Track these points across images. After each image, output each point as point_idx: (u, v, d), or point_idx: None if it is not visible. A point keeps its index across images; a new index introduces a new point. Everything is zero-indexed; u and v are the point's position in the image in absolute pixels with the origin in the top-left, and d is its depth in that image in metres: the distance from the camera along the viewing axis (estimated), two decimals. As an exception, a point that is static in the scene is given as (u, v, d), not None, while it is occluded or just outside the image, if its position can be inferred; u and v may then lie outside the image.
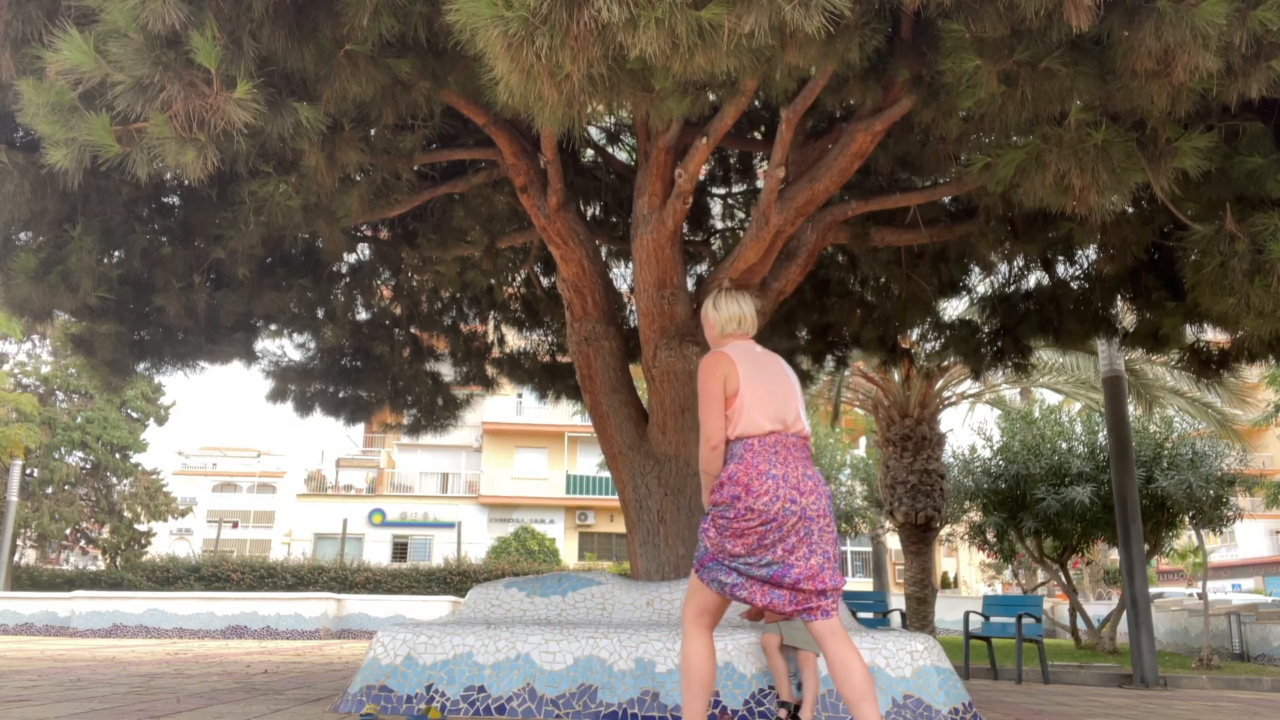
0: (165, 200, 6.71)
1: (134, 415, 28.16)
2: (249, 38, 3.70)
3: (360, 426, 14.52)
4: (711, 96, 4.58)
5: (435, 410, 9.89)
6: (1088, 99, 3.78)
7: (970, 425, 25.75)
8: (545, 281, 8.62)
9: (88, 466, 27.22)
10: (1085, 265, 7.32)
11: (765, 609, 3.17)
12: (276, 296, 7.18)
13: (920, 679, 4.44)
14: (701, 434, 3.28)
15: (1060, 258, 7.40)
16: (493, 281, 8.21)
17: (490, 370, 9.84)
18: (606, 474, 30.57)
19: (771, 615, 4.48)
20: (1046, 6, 3.19)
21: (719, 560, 3.16)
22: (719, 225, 8.48)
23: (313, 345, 8.92)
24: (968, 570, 35.97)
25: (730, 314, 3.46)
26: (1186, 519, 12.52)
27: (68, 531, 26.75)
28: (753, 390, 3.23)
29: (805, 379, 9.52)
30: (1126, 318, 7.75)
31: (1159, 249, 6.56)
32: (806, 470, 3.19)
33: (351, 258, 8.11)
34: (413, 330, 9.14)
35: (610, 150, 7.70)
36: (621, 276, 9.02)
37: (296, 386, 9.11)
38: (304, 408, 9.25)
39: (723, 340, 3.47)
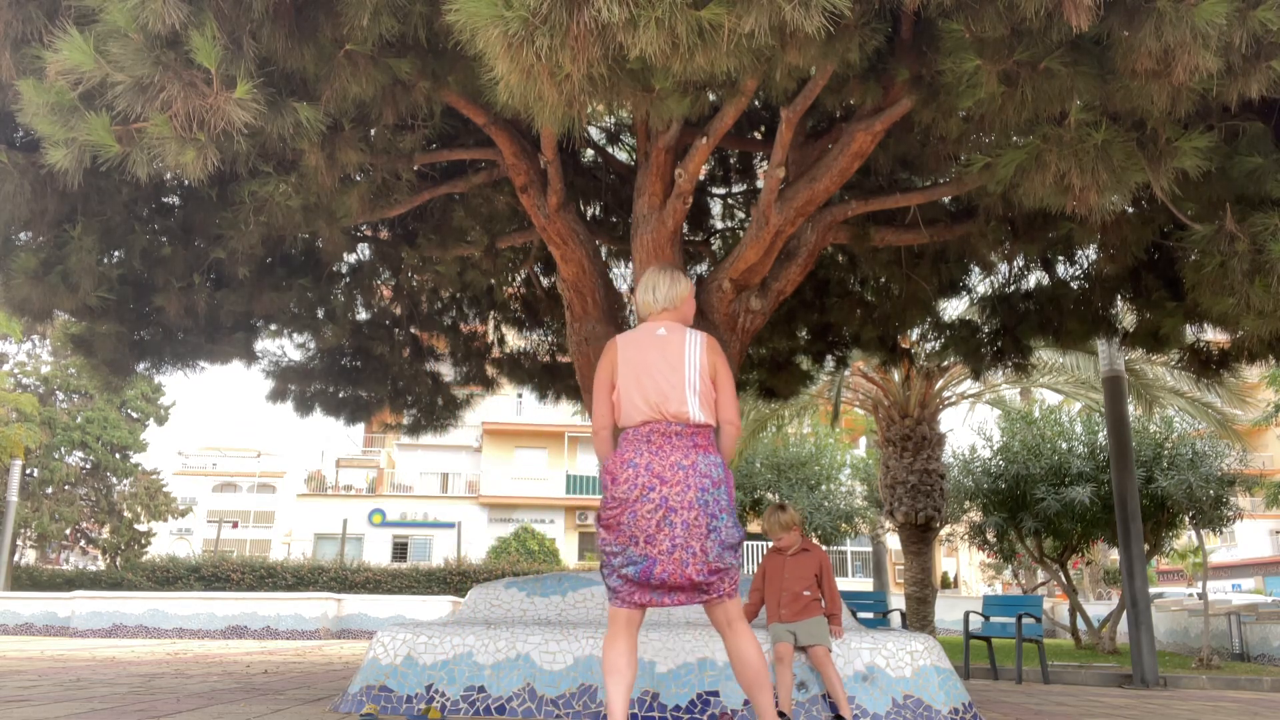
0: (165, 200, 6.71)
1: (134, 415, 28.17)
2: (249, 38, 3.70)
3: (360, 426, 14.52)
4: (711, 96, 4.58)
5: (435, 410, 9.89)
6: (1088, 99, 3.78)
7: (970, 425, 25.77)
8: (545, 281, 8.62)
9: (88, 466, 27.22)
10: (1085, 265, 7.32)
11: (653, 605, 3.14)
12: (276, 296, 7.18)
13: (920, 679, 4.44)
14: None
15: (1060, 258, 7.39)
16: (493, 281, 8.20)
17: (490, 370, 9.83)
18: (606, 474, 30.51)
19: (774, 621, 4.49)
20: (1046, 6, 3.19)
21: (605, 563, 3.17)
22: (719, 225, 8.47)
23: (313, 345, 8.92)
24: (968, 570, 35.97)
25: (640, 302, 3.44)
26: (1186, 519, 12.52)
27: (68, 531, 26.76)
28: (627, 381, 3.21)
29: (805, 379, 9.51)
30: (1126, 318, 7.75)
31: (1159, 249, 6.56)
32: (683, 460, 3.09)
33: (351, 258, 8.10)
34: (413, 330, 9.13)
35: (610, 150, 7.70)
36: (621, 276, 9.02)
37: (296, 386, 9.11)
38: (304, 408, 9.24)
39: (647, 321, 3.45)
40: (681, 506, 3.03)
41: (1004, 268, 7.66)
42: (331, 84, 4.07)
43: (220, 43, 3.53)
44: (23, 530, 25.57)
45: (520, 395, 32.14)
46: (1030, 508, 13.12)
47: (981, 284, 8.22)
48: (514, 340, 9.78)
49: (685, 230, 7.59)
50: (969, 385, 14.26)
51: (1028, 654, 11.60)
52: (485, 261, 7.28)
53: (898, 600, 19.42)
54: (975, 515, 14.31)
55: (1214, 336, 7.58)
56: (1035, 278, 7.71)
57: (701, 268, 8.56)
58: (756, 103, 6.41)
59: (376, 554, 32.18)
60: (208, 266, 6.77)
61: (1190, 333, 7.34)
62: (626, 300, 8.74)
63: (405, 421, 10.01)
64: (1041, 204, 4.19)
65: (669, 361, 3.20)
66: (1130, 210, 5.79)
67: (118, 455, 27.40)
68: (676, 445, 3.11)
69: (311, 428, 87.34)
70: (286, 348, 9.12)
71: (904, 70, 4.35)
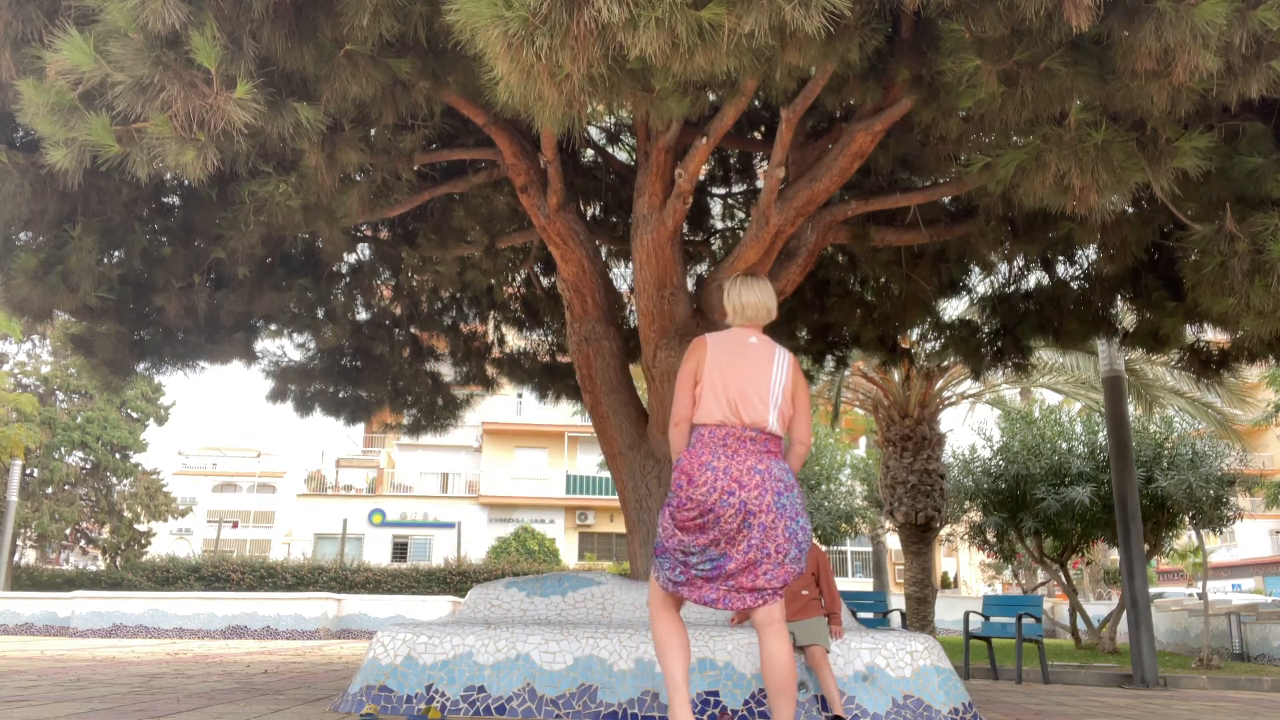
0: (165, 200, 6.71)
1: (134, 415, 28.15)
2: (249, 38, 3.70)
3: (360, 426, 14.52)
4: (711, 96, 4.58)
5: (435, 410, 9.89)
6: (1088, 99, 3.78)
7: (970, 425, 25.78)
8: (545, 281, 8.62)
9: (88, 466, 27.21)
10: (1085, 265, 7.32)
11: (707, 605, 3.22)
12: (276, 296, 7.18)
13: (920, 679, 4.44)
14: None
15: (1060, 258, 7.39)
16: (493, 281, 8.21)
17: (490, 370, 9.83)
18: (606, 474, 30.58)
19: None
20: (1046, 6, 3.19)
21: (667, 552, 3.23)
22: (719, 225, 8.47)
23: (313, 345, 8.92)
24: (968, 570, 35.97)
25: (733, 305, 3.53)
26: (1186, 519, 12.52)
27: (68, 531, 26.75)
28: (712, 380, 3.29)
29: (805, 379, 9.51)
30: (1126, 318, 7.75)
31: (1159, 249, 6.56)
32: (758, 465, 3.17)
33: (351, 258, 8.10)
34: (413, 330, 9.14)
35: (610, 150, 7.70)
36: (621, 276, 9.02)
37: (296, 386, 9.11)
38: (304, 408, 9.24)
39: (733, 325, 3.55)
40: (760, 510, 3.11)
41: (1004, 268, 7.66)
42: (331, 84, 4.07)
43: (220, 43, 3.53)
44: (23, 530, 25.56)
45: (520, 395, 32.13)
46: (1030, 508, 13.12)
47: (981, 284, 8.22)
48: (514, 340, 9.78)
49: (685, 230, 7.60)
50: (969, 385, 14.26)
51: (1028, 654, 11.60)
52: (485, 261, 7.28)
53: (898, 600, 19.42)
54: (975, 515, 14.31)
55: (1214, 336, 7.58)
56: (1035, 278, 7.71)
57: (701, 268, 8.56)
58: (756, 103, 6.41)
59: (376, 554, 32.17)
60: (208, 266, 6.77)
61: (1190, 333, 7.34)
62: (626, 300, 8.74)
63: (405, 421, 10.02)
64: (1041, 204, 4.19)
65: (756, 371, 3.32)
66: (1130, 210, 5.79)
67: (118, 455, 27.39)
68: (750, 450, 3.21)
69: (311, 428, 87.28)
70: (286, 348, 9.13)
71: (904, 70, 4.35)
